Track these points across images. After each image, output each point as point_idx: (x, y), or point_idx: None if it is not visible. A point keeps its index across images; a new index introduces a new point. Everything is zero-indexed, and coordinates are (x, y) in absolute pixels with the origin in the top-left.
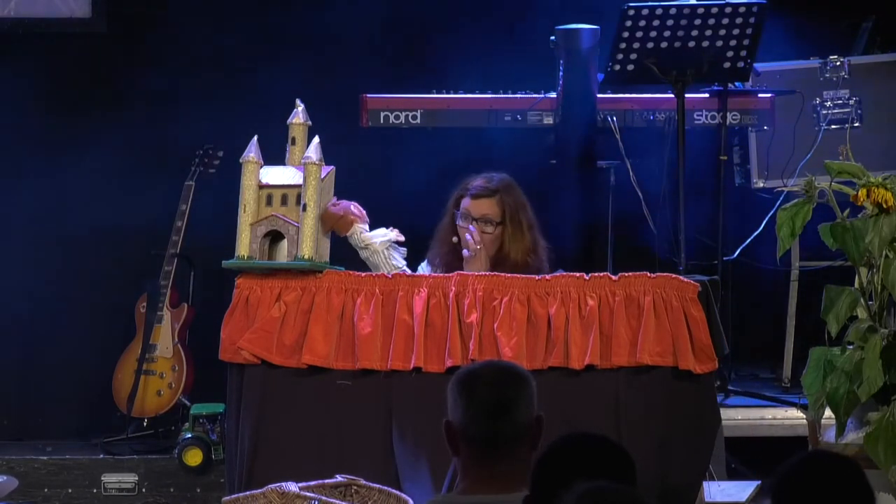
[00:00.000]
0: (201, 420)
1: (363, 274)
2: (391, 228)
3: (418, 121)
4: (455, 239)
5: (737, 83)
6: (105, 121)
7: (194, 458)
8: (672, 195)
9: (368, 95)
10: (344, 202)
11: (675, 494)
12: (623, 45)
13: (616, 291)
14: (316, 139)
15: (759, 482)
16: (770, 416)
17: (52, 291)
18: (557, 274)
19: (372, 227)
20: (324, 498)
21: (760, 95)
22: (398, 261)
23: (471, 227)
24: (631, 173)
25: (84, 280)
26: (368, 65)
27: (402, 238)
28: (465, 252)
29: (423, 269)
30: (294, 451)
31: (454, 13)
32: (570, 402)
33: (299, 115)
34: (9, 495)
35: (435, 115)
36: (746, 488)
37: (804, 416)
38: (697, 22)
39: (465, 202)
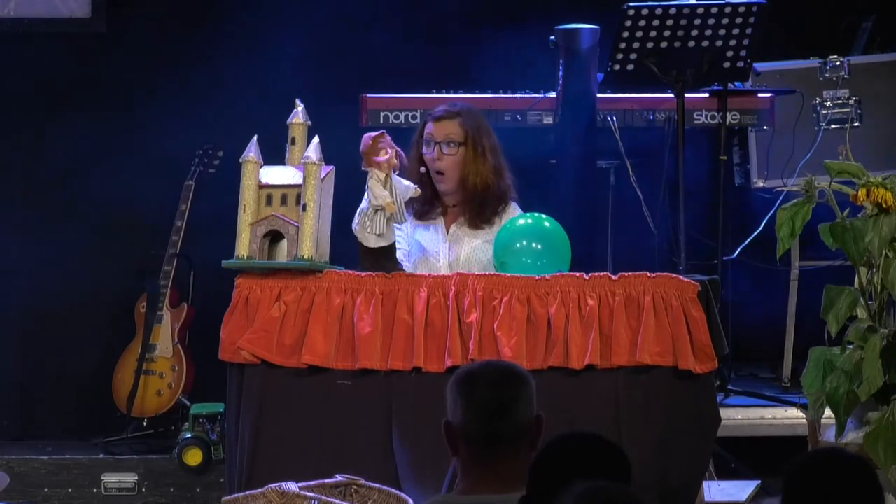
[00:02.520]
0: (201, 420)
1: (363, 274)
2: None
3: (418, 121)
4: (423, 169)
5: (737, 83)
6: (105, 121)
7: (194, 458)
8: (672, 195)
9: (368, 95)
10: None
11: (675, 494)
12: (623, 45)
13: (616, 291)
14: (316, 139)
15: (759, 482)
16: (770, 416)
17: (52, 291)
18: (557, 274)
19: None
20: (324, 498)
21: (760, 95)
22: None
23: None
24: (631, 173)
25: (84, 280)
26: (368, 65)
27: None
28: (438, 184)
29: None
30: (294, 451)
31: (454, 13)
32: (570, 402)
33: (299, 115)
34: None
35: None
36: (746, 488)
37: (804, 416)
38: (697, 22)
39: (429, 127)
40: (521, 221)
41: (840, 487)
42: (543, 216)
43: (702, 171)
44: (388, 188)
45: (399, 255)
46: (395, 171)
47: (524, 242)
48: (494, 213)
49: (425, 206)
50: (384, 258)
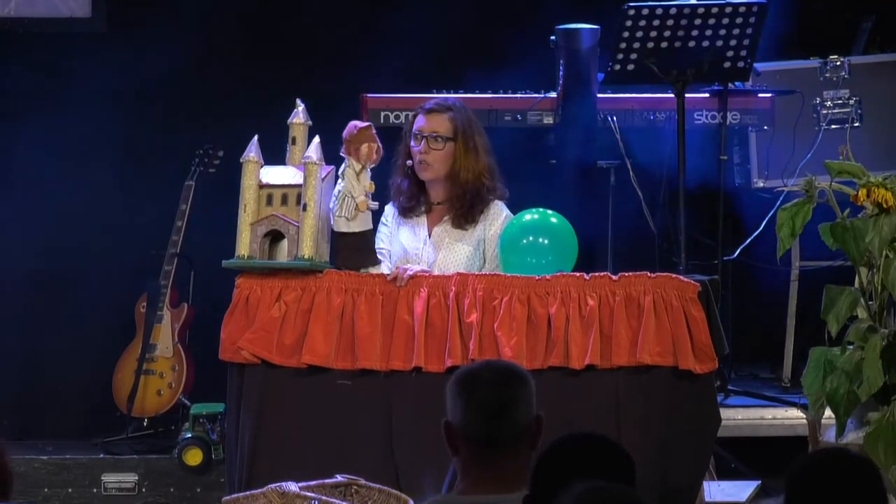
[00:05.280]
0: (201, 420)
1: (363, 274)
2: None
3: None
4: (410, 162)
5: (737, 83)
6: (104, 121)
7: (194, 458)
8: (672, 195)
9: (368, 95)
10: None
11: (675, 494)
12: (623, 45)
13: (616, 291)
14: (316, 139)
15: (759, 482)
16: (770, 416)
17: (53, 291)
18: (557, 274)
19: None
20: (324, 498)
21: (760, 95)
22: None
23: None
24: (631, 173)
25: (84, 280)
26: (369, 65)
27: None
28: (421, 173)
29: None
30: (294, 451)
31: (454, 13)
32: (570, 402)
33: (299, 115)
34: None
35: None
36: (746, 488)
37: (804, 416)
38: (697, 22)
39: (419, 121)
40: (528, 217)
41: (844, 487)
42: (549, 212)
43: (702, 171)
44: (360, 180)
45: (383, 266)
46: (370, 166)
47: (530, 238)
48: (480, 211)
49: (410, 203)
50: (355, 246)
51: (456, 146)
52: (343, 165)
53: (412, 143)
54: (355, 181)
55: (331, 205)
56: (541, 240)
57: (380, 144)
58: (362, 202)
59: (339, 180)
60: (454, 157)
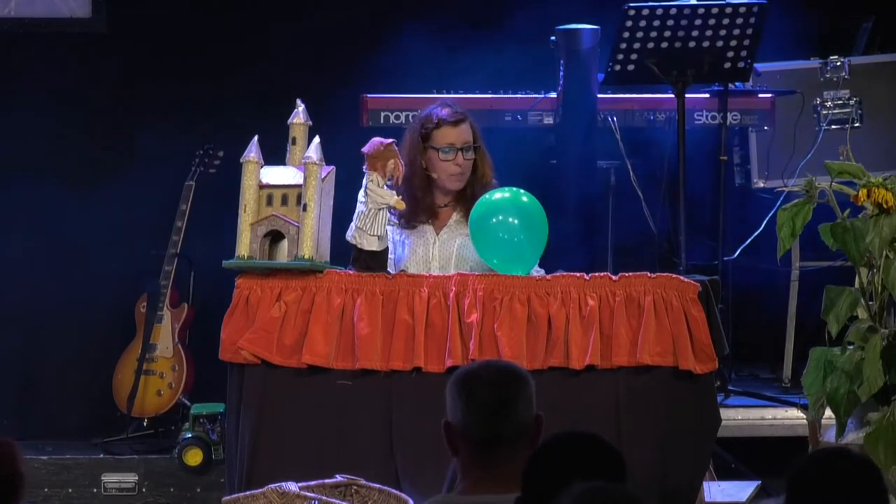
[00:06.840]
0: (201, 420)
1: (364, 274)
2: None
3: None
4: (435, 175)
5: (737, 83)
6: (104, 121)
7: (194, 458)
8: (672, 195)
9: (368, 95)
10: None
11: (676, 494)
12: (623, 45)
13: (616, 291)
14: (316, 139)
15: (759, 482)
16: (770, 416)
17: (53, 291)
18: (557, 274)
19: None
20: (324, 498)
21: (761, 95)
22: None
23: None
24: (631, 173)
25: (84, 280)
26: (368, 65)
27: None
28: (452, 184)
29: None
30: (294, 451)
31: (454, 13)
32: (570, 402)
33: (299, 115)
34: None
35: None
36: (746, 488)
37: (804, 416)
38: (697, 22)
39: (447, 134)
40: (499, 195)
41: (844, 488)
42: (521, 191)
43: (702, 171)
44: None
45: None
46: (390, 180)
47: (500, 217)
48: None
49: (415, 212)
50: (375, 262)
51: (478, 151)
52: (365, 182)
53: (441, 156)
54: (383, 192)
55: (359, 225)
56: (511, 219)
57: (402, 160)
58: (398, 201)
59: (361, 198)
60: (476, 162)
